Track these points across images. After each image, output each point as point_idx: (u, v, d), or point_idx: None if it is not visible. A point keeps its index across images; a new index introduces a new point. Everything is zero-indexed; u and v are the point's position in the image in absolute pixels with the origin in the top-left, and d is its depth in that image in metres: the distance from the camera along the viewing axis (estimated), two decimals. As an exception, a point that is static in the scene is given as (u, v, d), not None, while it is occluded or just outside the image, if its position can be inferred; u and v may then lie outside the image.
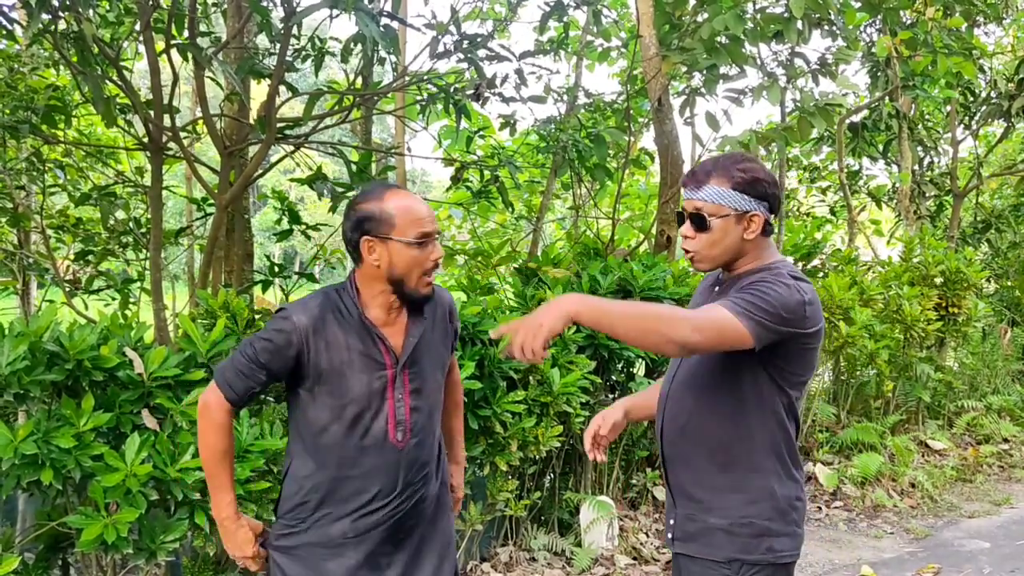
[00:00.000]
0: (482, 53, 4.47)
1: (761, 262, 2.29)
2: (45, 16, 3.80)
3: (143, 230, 5.14)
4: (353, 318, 2.26)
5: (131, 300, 5.12)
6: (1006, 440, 7.81)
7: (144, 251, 5.18)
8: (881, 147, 10.05)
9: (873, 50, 8.80)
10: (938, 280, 7.75)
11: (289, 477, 2.34)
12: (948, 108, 10.40)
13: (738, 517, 2.22)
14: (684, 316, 2.04)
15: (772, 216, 2.29)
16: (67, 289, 4.97)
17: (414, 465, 2.33)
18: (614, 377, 5.28)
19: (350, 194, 4.45)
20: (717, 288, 2.36)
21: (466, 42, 4.39)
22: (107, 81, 4.20)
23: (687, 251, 2.30)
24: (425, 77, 4.86)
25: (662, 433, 2.38)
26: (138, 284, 5.13)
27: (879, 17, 6.95)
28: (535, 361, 1.93)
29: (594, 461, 5.20)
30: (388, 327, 2.30)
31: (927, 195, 10.44)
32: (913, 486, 6.42)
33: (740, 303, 2.06)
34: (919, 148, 10.38)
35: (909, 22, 7.83)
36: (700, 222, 2.24)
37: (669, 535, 2.38)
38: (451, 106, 4.67)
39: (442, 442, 2.52)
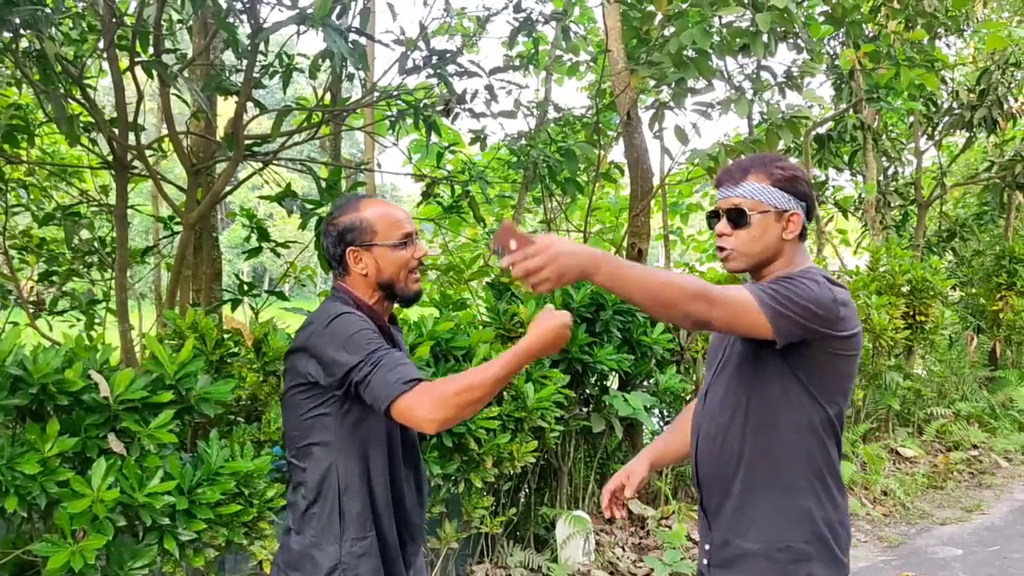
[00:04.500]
0: (451, 69, 4.46)
1: (793, 267, 2.19)
2: (6, 34, 3.74)
3: (108, 250, 5.06)
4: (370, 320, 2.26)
5: (96, 321, 5.03)
6: (975, 446, 7.91)
7: (109, 271, 5.10)
8: (847, 158, 10.18)
9: (837, 63, 8.92)
10: (905, 289, 7.85)
11: (345, 495, 2.24)
12: (911, 119, 10.57)
13: (775, 541, 2.11)
14: (702, 291, 1.91)
15: (808, 220, 2.21)
16: (31, 310, 4.88)
17: (420, 462, 2.39)
18: (588, 391, 5.27)
19: (320, 211, 4.41)
20: None
21: (435, 58, 4.38)
22: (70, 99, 4.13)
23: (722, 249, 2.21)
24: (394, 93, 4.85)
25: (696, 455, 2.28)
26: (104, 305, 5.05)
27: (843, 31, 7.04)
28: (517, 281, 1.82)
29: (569, 475, 5.21)
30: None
31: (892, 205, 10.59)
32: (885, 494, 6.47)
33: (767, 290, 1.99)
34: (884, 159, 10.53)
35: (872, 35, 7.95)
36: (739, 217, 2.16)
37: (704, 560, 2.27)
38: (421, 122, 4.66)
39: None
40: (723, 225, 2.19)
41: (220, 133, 4.71)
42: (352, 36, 3.83)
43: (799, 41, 6.18)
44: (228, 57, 5.09)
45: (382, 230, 2.26)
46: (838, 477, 2.17)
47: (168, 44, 4.74)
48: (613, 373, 5.29)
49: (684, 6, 5.65)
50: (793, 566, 2.08)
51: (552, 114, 6.88)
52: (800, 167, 2.21)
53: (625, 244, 6.58)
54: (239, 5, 4.07)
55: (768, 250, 2.17)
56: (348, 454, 2.23)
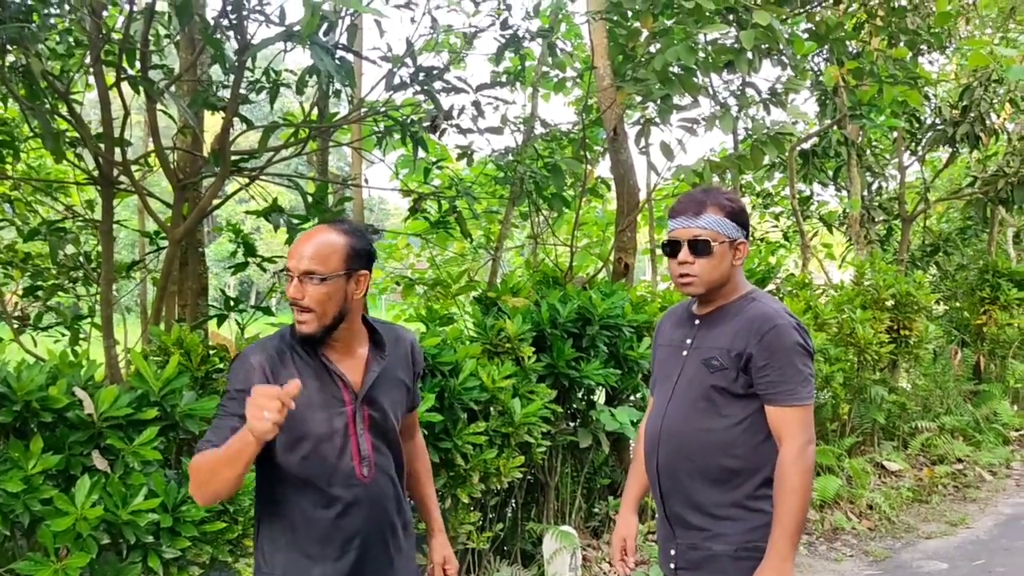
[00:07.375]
0: (438, 85, 4.48)
1: (737, 292, 2.44)
2: (-8, 49, 3.73)
3: (94, 265, 5.04)
4: (308, 355, 2.22)
5: (81, 336, 5.00)
6: (960, 460, 7.93)
7: (95, 286, 5.08)
8: (831, 173, 10.25)
9: (821, 79, 8.99)
10: (889, 303, 7.89)
11: (264, 527, 2.27)
12: (895, 135, 10.65)
13: (743, 543, 2.34)
14: (810, 470, 2.27)
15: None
16: (15, 325, 4.85)
17: (382, 501, 2.28)
18: (575, 406, 5.27)
19: (306, 226, 4.41)
20: (698, 322, 2.47)
21: (422, 74, 4.40)
22: (56, 115, 4.13)
23: (684, 275, 2.39)
24: (382, 109, 4.86)
25: (658, 468, 2.46)
26: (89, 320, 5.02)
27: (827, 48, 7.11)
28: None
29: (556, 490, 5.21)
30: (345, 361, 2.25)
31: (876, 220, 10.66)
32: (871, 508, 6.49)
33: (799, 393, 2.29)
34: (868, 174, 10.60)
35: (855, 52, 8.02)
36: (703, 248, 2.36)
37: (671, 565, 2.47)
38: (408, 137, 4.67)
39: (401, 489, 2.42)
40: (685, 254, 2.38)
41: (207, 148, 4.71)
42: (339, 53, 3.84)
43: (783, 58, 6.24)
44: (215, 72, 5.09)
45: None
46: None
47: (155, 60, 4.75)
48: (600, 388, 5.29)
49: (669, 23, 5.70)
50: (756, 562, 2.31)
51: (539, 130, 6.89)
52: (741, 198, 2.50)
53: (612, 259, 6.60)
54: (226, 21, 4.08)
55: (723, 276, 2.39)
56: (260, 490, 2.27)
